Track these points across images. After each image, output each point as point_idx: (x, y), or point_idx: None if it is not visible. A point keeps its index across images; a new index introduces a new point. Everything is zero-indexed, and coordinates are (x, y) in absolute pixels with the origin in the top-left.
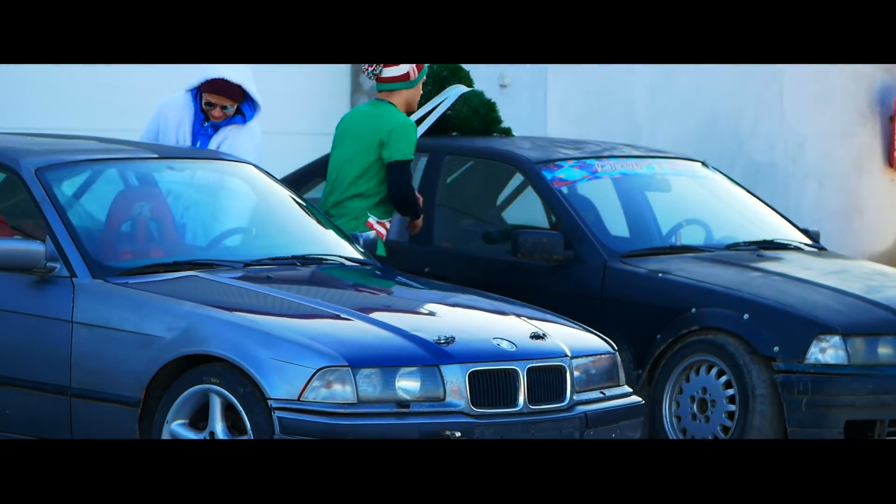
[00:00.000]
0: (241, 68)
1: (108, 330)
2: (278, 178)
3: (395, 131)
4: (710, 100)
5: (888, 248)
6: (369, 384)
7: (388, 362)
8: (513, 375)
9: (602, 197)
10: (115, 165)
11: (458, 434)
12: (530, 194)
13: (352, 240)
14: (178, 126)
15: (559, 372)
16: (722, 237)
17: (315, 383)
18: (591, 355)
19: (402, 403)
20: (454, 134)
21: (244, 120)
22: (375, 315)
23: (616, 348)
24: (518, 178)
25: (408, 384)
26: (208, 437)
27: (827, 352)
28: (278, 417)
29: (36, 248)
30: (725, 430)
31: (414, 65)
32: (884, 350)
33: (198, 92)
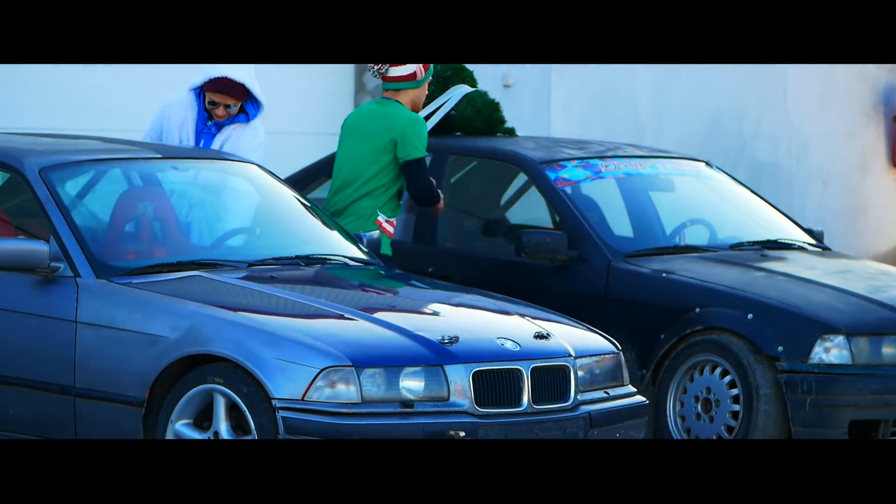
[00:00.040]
0: (244, 67)
1: (111, 330)
2: (282, 178)
3: (407, 130)
4: (713, 100)
5: (892, 248)
6: (373, 384)
7: (391, 362)
8: (517, 375)
9: (606, 197)
10: (118, 165)
11: (462, 434)
12: (534, 194)
13: (355, 239)
14: (182, 125)
15: (563, 372)
16: (726, 237)
17: (319, 383)
18: (595, 355)
19: (406, 403)
20: (458, 134)
21: (248, 119)
22: (379, 315)
23: (620, 348)
24: (522, 178)
25: (412, 384)
26: (212, 437)
27: (831, 352)
28: (282, 417)
29: (40, 248)
30: (729, 429)
31: (421, 65)
32: (888, 350)
33: (201, 91)
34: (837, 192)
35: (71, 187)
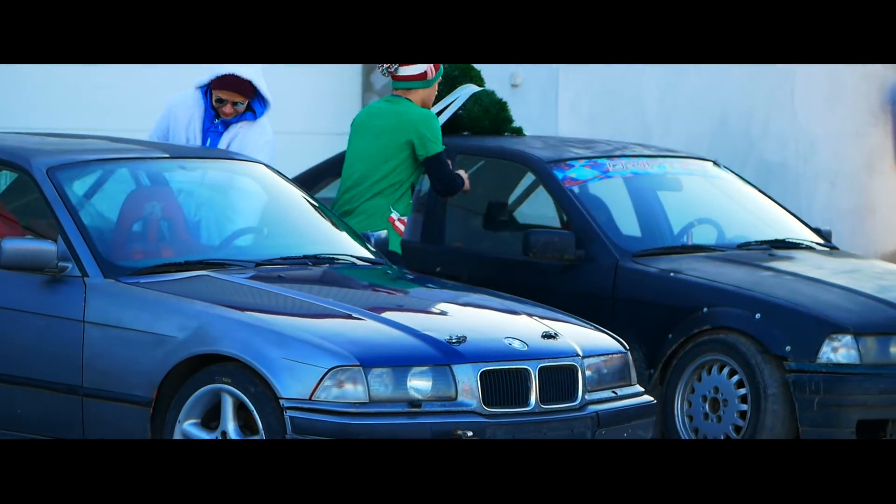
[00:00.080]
0: (251, 65)
1: (119, 329)
2: (289, 178)
3: (421, 129)
4: (721, 99)
5: None
6: (381, 384)
7: (399, 362)
8: (524, 375)
9: (613, 196)
10: (126, 165)
11: (469, 434)
12: (541, 194)
13: (363, 239)
14: (189, 124)
15: (571, 371)
16: (733, 236)
17: (327, 383)
18: (602, 355)
19: (414, 403)
20: (465, 133)
21: (255, 117)
22: (387, 314)
23: (628, 348)
24: (529, 178)
25: (419, 384)
26: (220, 437)
27: (839, 351)
28: (290, 417)
29: (47, 247)
30: (737, 429)
31: (431, 64)
32: None
33: (208, 89)
34: (845, 192)
35: (78, 187)
